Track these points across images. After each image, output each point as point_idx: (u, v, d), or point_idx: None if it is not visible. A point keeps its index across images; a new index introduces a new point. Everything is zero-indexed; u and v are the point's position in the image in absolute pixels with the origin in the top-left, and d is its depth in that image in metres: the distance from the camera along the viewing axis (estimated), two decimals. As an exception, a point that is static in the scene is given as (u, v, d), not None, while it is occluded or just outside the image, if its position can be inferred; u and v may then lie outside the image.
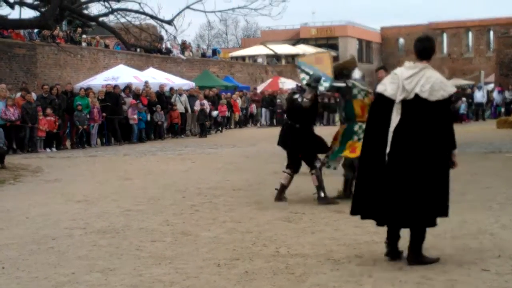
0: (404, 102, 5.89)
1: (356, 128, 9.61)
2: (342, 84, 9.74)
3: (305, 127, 9.78)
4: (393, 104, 5.92)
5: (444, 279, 5.52)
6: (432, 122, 5.81)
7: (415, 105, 5.85)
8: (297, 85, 10.49)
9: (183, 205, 9.72)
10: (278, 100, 34.06)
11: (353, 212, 6.31)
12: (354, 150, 9.37)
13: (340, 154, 9.79)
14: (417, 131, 5.82)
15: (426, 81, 5.86)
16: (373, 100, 6.33)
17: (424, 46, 6.12)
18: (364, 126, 9.01)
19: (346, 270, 5.86)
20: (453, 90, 5.91)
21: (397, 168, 5.86)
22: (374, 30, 74.00)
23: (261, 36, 73.53)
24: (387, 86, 6.04)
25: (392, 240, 6.11)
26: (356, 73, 10.00)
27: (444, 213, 6.08)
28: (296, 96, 9.89)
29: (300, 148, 9.85)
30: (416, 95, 5.85)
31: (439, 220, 7.87)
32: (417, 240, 5.96)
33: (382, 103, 6.04)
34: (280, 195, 9.97)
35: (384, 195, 5.91)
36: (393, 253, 6.13)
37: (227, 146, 21.01)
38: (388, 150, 5.88)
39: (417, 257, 5.95)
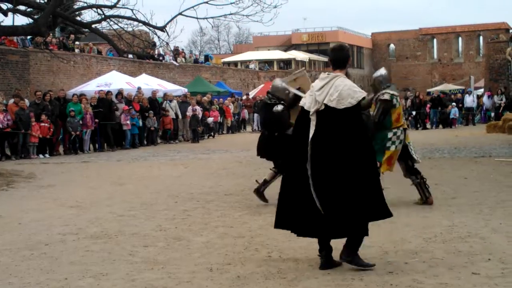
0: (318, 113, 5.93)
1: (390, 135, 9.42)
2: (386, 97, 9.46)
3: (285, 134, 9.78)
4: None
5: (434, 282, 5.57)
6: (344, 130, 5.83)
7: (326, 115, 5.88)
8: (268, 92, 10.47)
9: (175, 210, 9.75)
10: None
11: (277, 225, 6.29)
12: (390, 162, 9.44)
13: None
14: (331, 141, 5.85)
15: (335, 90, 5.88)
16: (299, 114, 6.34)
17: (336, 55, 6.14)
18: (398, 132, 9.44)
19: (337, 274, 5.91)
20: (361, 96, 5.88)
21: (317, 180, 5.88)
22: (365, 36, 74.28)
23: (253, 42, 73.70)
24: (306, 99, 6.12)
25: (326, 252, 6.09)
26: (382, 75, 9.72)
27: (383, 215, 6.10)
28: (279, 107, 9.86)
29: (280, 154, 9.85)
30: (326, 105, 5.88)
31: (429, 223, 7.99)
32: (352, 242, 6.00)
33: (303, 116, 6.12)
34: (260, 188, 10.13)
35: (308, 207, 5.92)
36: (327, 264, 6.08)
37: (219, 152, 21.04)
38: (308, 162, 5.91)
39: (349, 255, 5.97)
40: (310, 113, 5.98)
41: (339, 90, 5.87)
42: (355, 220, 5.89)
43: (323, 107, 5.92)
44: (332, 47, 6.32)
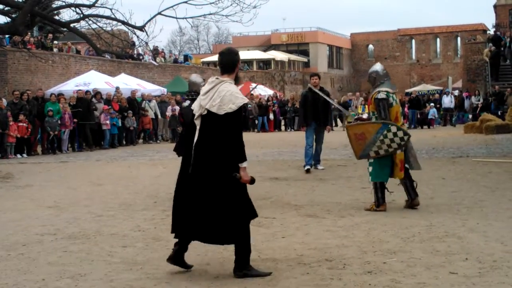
0: (202, 118, 5.96)
1: (391, 136, 8.86)
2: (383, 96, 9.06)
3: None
4: None
5: (412, 282, 5.60)
6: (222, 136, 5.84)
7: (209, 120, 5.90)
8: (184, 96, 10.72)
9: (154, 210, 9.72)
10: (249, 106, 34.15)
11: (173, 231, 6.31)
12: (403, 168, 9.04)
13: (387, 170, 9.01)
14: (211, 146, 5.88)
15: (217, 95, 5.88)
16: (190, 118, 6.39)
17: (224, 60, 6.12)
18: (400, 133, 8.86)
19: (316, 274, 5.92)
20: (242, 102, 5.86)
21: (195, 184, 5.95)
22: (344, 36, 74.62)
23: (232, 42, 73.72)
24: (195, 103, 6.15)
25: (180, 248, 6.14)
26: (376, 71, 9.34)
27: (236, 237, 5.94)
28: (186, 103, 10.08)
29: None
30: (209, 110, 5.90)
31: (407, 223, 8.03)
32: (238, 254, 5.96)
33: (193, 120, 6.17)
34: None
35: (186, 211, 6.01)
36: (174, 259, 6.13)
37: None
38: (191, 167, 5.98)
39: (241, 270, 5.92)
40: (195, 118, 6.04)
41: (222, 95, 5.85)
42: (225, 227, 5.87)
43: (206, 112, 5.92)
44: (221, 51, 6.25)
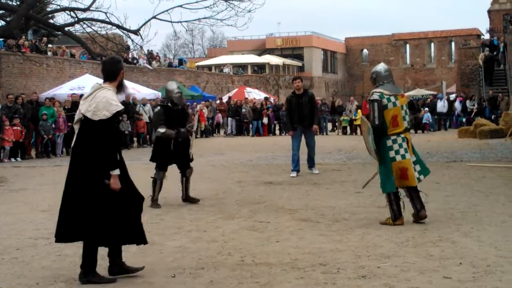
0: (81, 122, 6.04)
1: (389, 143, 8.35)
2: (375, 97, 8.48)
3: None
4: None
5: (406, 286, 5.61)
6: (95, 141, 5.91)
7: (85, 125, 5.98)
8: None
9: (148, 214, 9.68)
10: (244, 110, 34.21)
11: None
12: (405, 176, 8.34)
13: (390, 182, 8.35)
14: (86, 151, 5.94)
15: (94, 101, 5.94)
16: None
17: (106, 68, 6.18)
18: (399, 139, 8.32)
19: (310, 279, 5.92)
20: (116, 109, 5.91)
21: (68, 187, 6.07)
22: (339, 41, 74.76)
23: (227, 46, 73.82)
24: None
25: (111, 256, 6.20)
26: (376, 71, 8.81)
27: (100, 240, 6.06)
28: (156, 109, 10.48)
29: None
30: (85, 116, 5.97)
31: (401, 227, 8.04)
32: (84, 256, 6.03)
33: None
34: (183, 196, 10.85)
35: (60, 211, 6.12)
36: (113, 270, 6.17)
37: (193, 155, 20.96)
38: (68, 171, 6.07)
39: (85, 276, 5.96)
40: (74, 122, 6.13)
41: (97, 101, 5.91)
42: (79, 225, 5.98)
43: (83, 117, 6.00)
44: (103, 60, 6.40)
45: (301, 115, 14.11)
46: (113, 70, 6.12)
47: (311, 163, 14.61)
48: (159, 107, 11.12)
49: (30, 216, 9.72)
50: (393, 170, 8.32)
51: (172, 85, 11.11)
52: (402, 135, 8.39)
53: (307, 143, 14.48)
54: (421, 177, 8.61)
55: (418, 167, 8.56)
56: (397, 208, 8.31)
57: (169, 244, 7.57)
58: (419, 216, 8.39)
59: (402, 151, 8.34)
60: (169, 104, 10.70)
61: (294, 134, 14.38)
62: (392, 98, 8.38)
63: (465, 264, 6.27)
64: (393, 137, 8.34)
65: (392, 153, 8.33)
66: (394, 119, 8.35)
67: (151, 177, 10.71)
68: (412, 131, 33.29)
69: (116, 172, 5.93)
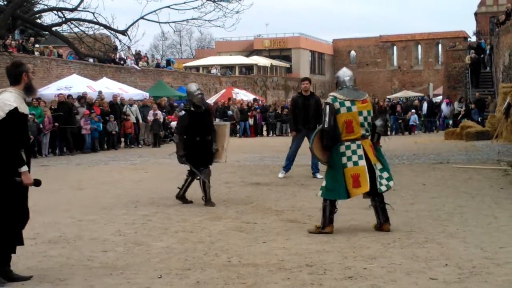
0: None
1: (342, 149, 8.05)
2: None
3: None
4: None
5: (392, 287, 5.63)
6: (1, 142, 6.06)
7: None
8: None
9: (135, 215, 9.70)
10: (230, 112, 34.19)
11: None
12: (357, 183, 7.98)
13: (334, 189, 8.07)
14: None
15: None
16: None
17: (9, 73, 6.33)
18: (353, 145, 8.02)
19: (297, 280, 5.93)
20: (10, 108, 6.03)
21: None
22: (326, 42, 74.85)
23: (215, 47, 73.77)
24: None
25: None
26: (338, 76, 8.58)
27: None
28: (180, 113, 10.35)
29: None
30: None
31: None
32: None
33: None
34: (179, 194, 10.87)
35: None
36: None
37: (180, 157, 20.94)
38: None
39: None
40: None
41: None
42: None
43: None
44: (7, 66, 6.49)
45: (306, 117, 13.71)
46: (15, 74, 6.27)
47: (315, 169, 13.95)
48: (183, 112, 11.05)
49: (16, 217, 9.67)
50: (345, 177, 8.01)
51: (192, 87, 10.95)
52: (358, 142, 8.06)
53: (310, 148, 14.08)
54: (391, 183, 8.22)
55: (385, 174, 8.17)
56: (329, 216, 8.07)
57: (156, 244, 7.56)
58: (381, 229, 8.13)
59: (355, 158, 8.01)
60: (192, 108, 10.62)
61: (296, 135, 14.06)
62: (347, 103, 8.06)
63: (451, 265, 6.30)
64: (346, 143, 8.05)
65: (344, 159, 8.03)
66: (348, 124, 8.03)
67: (197, 179, 10.74)
68: (392, 133, 33.68)
69: (24, 168, 6.08)
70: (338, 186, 8.02)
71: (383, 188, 8.09)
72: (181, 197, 10.80)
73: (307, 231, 8.17)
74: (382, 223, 8.12)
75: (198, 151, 10.58)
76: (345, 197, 8.08)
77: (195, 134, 10.57)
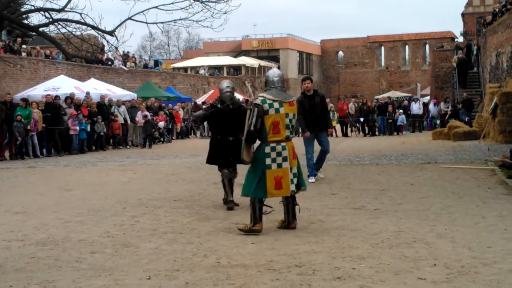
0: None
1: (267, 149, 8.13)
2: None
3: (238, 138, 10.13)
4: None
5: (381, 287, 5.64)
6: None
7: None
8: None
9: (123, 216, 9.67)
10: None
11: None
12: (279, 185, 8.11)
13: (262, 191, 8.16)
14: None
15: None
16: None
17: None
18: (278, 147, 8.10)
19: (286, 280, 5.93)
20: None
21: None
22: (314, 43, 74.92)
23: (203, 48, 73.70)
24: None
25: None
26: (268, 75, 8.60)
27: None
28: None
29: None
30: None
31: (376, 229, 8.08)
32: None
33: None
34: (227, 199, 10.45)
35: None
36: None
37: (168, 157, 20.94)
38: None
39: None
40: None
41: None
42: None
43: None
44: None
45: (315, 117, 13.39)
46: None
47: (319, 165, 13.82)
48: (207, 109, 10.83)
49: (3, 218, 9.64)
50: (268, 178, 8.08)
51: (223, 84, 10.69)
52: (283, 144, 8.15)
53: (322, 147, 13.71)
54: (302, 187, 8.48)
55: (295, 180, 8.35)
56: (259, 213, 8.17)
57: (145, 246, 7.55)
58: (289, 227, 8.35)
59: (279, 160, 8.10)
60: (219, 105, 10.39)
61: (309, 137, 13.60)
62: (276, 104, 8.14)
63: (439, 265, 6.32)
64: (272, 144, 8.12)
65: (268, 161, 8.09)
66: (275, 126, 8.11)
67: (221, 181, 10.63)
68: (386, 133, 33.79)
69: None
70: (260, 185, 8.13)
71: (296, 190, 8.35)
72: (228, 201, 10.32)
73: (238, 229, 8.22)
74: (290, 222, 8.38)
75: (221, 150, 10.30)
76: (264, 196, 8.19)
77: (218, 131, 10.40)
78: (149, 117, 27.02)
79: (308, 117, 13.41)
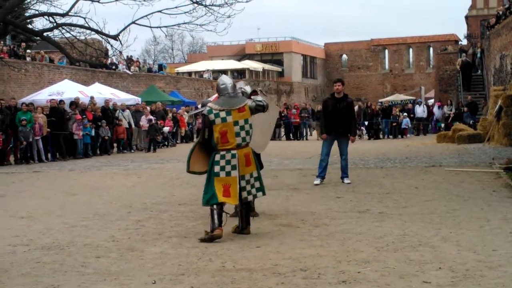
0: None
1: (217, 157, 8.13)
2: (201, 109, 8.58)
3: None
4: None
5: (386, 291, 5.65)
6: None
7: None
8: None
9: (128, 220, 9.69)
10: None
11: None
12: (227, 193, 8.09)
13: (213, 194, 8.13)
14: None
15: None
16: None
17: None
18: (228, 155, 8.09)
19: (291, 284, 5.93)
20: None
21: None
22: (318, 46, 74.98)
23: (207, 52, 73.78)
24: None
25: None
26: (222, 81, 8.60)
27: None
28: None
29: None
30: None
31: (381, 232, 8.08)
32: None
33: None
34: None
35: None
36: None
37: (173, 161, 20.94)
38: None
39: None
40: None
41: None
42: None
43: None
44: None
45: (335, 120, 13.25)
46: None
47: (344, 173, 13.60)
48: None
49: (8, 223, 9.66)
50: (215, 185, 8.08)
51: (239, 84, 10.53)
52: (233, 152, 8.12)
53: (340, 152, 13.59)
54: (259, 194, 8.46)
55: (257, 184, 8.41)
56: (218, 219, 8.09)
57: (150, 250, 7.56)
58: (243, 232, 8.42)
59: (228, 168, 8.10)
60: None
61: (326, 139, 13.51)
62: (222, 114, 8.13)
63: (444, 268, 6.32)
64: (222, 152, 8.11)
65: (217, 168, 8.10)
66: (223, 135, 8.11)
67: None
68: (390, 136, 33.77)
69: None
70: (212, 191, 8.12)
71: (250, 197, 8.41)
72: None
73: (198, 239, 8.08)
74: (244, 228, 8.43)
75: None
76: (216, 201, 8.11)
77: None
78: (154, 121, 27.02)
79: (329, 119, 13.38)
